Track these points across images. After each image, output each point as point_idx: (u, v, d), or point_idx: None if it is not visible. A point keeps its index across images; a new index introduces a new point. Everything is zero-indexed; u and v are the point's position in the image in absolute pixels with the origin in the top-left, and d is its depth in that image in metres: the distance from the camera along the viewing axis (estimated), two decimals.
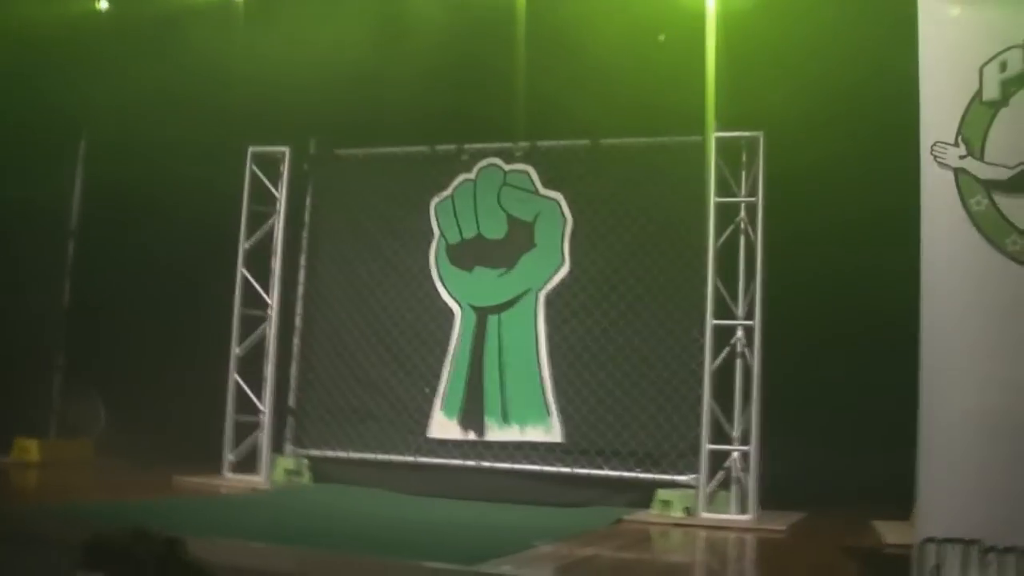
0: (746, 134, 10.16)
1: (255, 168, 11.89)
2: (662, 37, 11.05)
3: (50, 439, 13.18)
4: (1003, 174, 6.31)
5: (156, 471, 11.35)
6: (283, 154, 11.94)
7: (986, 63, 6.37)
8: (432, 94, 11.65)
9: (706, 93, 10.18)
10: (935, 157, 6.43)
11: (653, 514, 9.97)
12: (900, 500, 6.67)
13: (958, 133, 6.40)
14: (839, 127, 10.37)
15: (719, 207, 10.14)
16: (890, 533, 8.44)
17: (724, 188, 10.21)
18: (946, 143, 6.41)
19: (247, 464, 11.47)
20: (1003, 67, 6.37)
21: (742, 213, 10.19)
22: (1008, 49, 6.39)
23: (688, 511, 9.84)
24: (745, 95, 10.31)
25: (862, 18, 10.10)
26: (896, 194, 7.45)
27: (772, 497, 9.85)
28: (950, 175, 6.38)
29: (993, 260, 6.20)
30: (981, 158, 6.35)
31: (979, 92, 6.39)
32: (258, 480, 11.31)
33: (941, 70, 6.51)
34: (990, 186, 6.32)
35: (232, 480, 11.28)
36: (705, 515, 9.72)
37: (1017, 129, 6.35)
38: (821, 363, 10.53)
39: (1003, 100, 6.35)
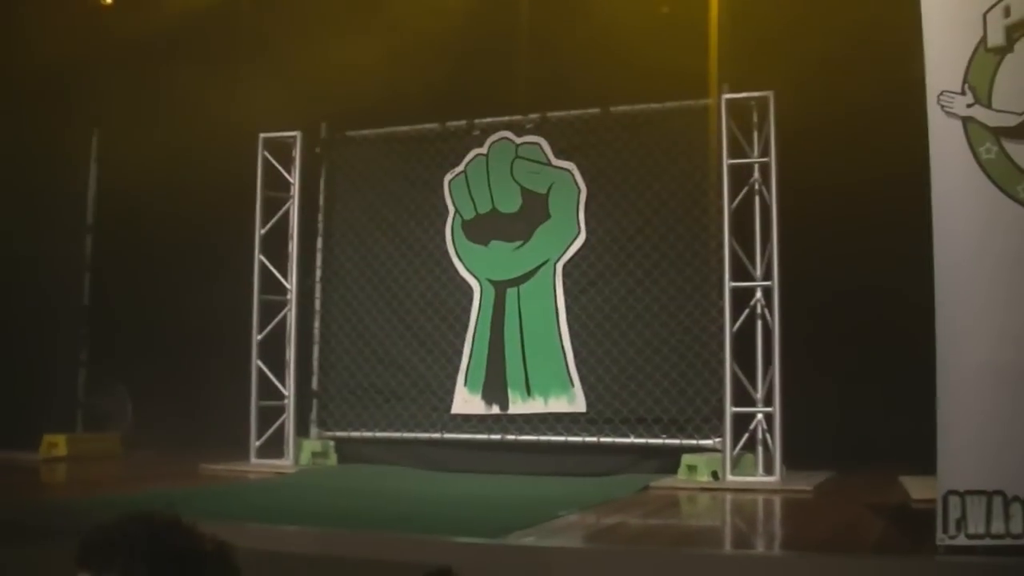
0: (756, 94, 10.11)
1: (267, 154, 11.91)
2: (666, 9, 11.04)
3: (77, 434, 13.27)
4: (1011, 120, 6.21)
5: (184, 461, 11.42)
6: (294, 139, 11.94)
7: (989, 9, 6.26)
8: (440, 71, 11.60)
9: (710, 54, 10.16)
10: (942, 106, 6.34)
11: (680, 480, 9.95)
12: (928, 455, 6.62)
13: (964, 81, 6.31)
14: (848, 83, 10.32)
15: (732, 169, 10.09)
16: (916, 489, 8.39)
17: (737, 150, 10.16)
18: (953, 92, 6.32)
19: (274, 449, 11.50)
20: (1007, 12, 6.25)
21: (756, 174, 10.14)
22: None
23: (715, 475, 9.82)
24: (753, 56, 10.29)
25: None
26: (908, 147, 7.37)
27: (799, 458, 9.81)
28: (958, 124, 6.28)
29: (1005, 208, 6.09)
30: (989, 105, 6.25)
31: (984, 39, 6.28)
32: (285, 464, 11.35)
33: (944, 19, 6.42)
34: (999, 133, 6.21)
35: (259, 465, 11.32)
36: (732, 478, 9.69)
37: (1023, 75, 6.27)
38: (842, 321, 10.50)
39: (1008, 46, 6.24)
